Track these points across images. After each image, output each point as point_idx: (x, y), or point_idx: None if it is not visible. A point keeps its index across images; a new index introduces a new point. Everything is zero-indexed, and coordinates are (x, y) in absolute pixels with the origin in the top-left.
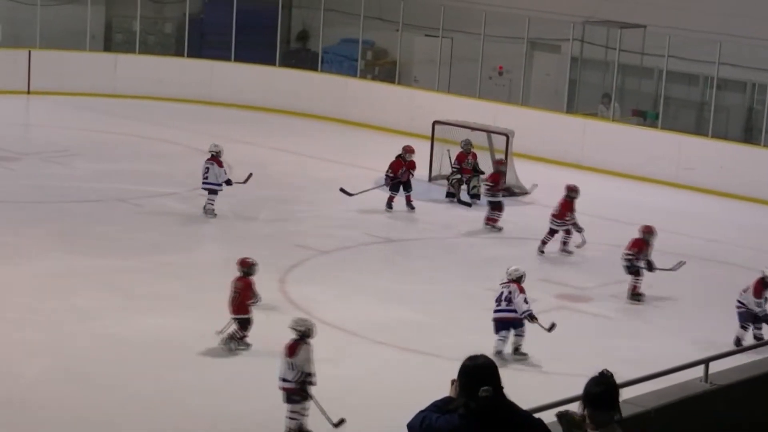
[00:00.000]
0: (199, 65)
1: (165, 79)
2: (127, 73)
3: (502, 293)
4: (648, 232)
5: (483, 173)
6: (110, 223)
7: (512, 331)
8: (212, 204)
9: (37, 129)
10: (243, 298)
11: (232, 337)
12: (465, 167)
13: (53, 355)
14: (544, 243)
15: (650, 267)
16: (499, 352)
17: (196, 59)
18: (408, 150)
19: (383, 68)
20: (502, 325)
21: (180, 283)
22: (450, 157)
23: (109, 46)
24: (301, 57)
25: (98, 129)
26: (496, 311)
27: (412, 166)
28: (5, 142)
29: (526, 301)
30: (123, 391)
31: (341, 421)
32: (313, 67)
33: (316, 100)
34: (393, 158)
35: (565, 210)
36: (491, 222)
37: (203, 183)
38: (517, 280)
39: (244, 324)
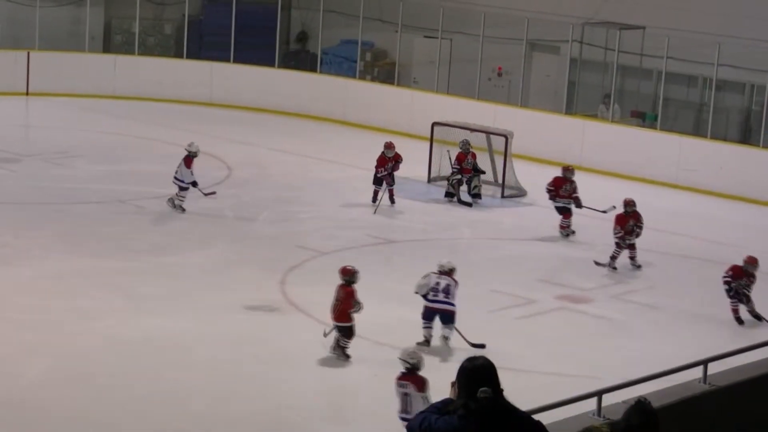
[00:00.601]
0: (199, 66)
1: (164, 81)
2: (126, 74)
3: (439, 284)
4: (750, 263)
5: (484, 172)
6: (111, 225)
7: (442, 325)
8: (181, 200)
9: (37, 130)
10: (344, 306)
11: (337, 346)
12: (465, 167)
13: (54, 355)
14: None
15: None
16: (428, 341)
17: (196, 60)
18: (388, 146)
19: (383, 69)
20: (433, 314)
21: (181, 284)
22: (450, 158)
23: (108, 47)
24: (301, 58)
25: (98, 130)
26: (432, 301)
27: (397, 159)
28: (5, 143)
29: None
30: (124, 392)
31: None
32: (312, 68)
33: (315, 102)
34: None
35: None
36: (562, 228)
37: (174, 177)
38: (451, 272)
39: (346, 332)
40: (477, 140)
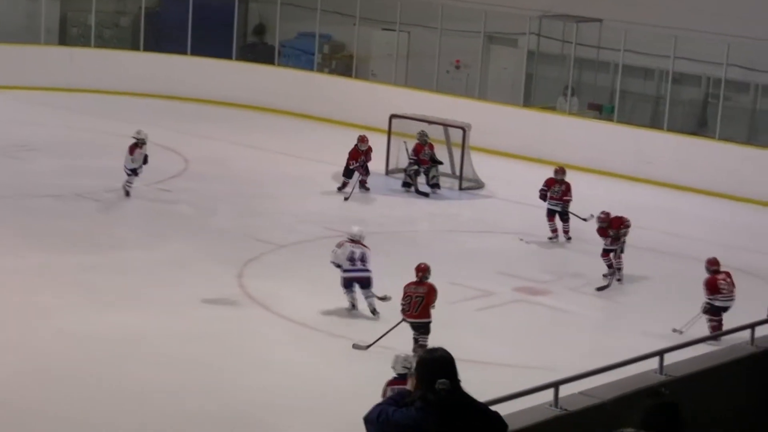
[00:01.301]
0: (156, 59)
1: (121, 74)
2: (82, 67)
3: (354, 252)
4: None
5: (441, 163)
6: (69, 219)
7: (361, 291)
8: (129, 185)
9: None
10: (428, 301)
11: (417, 346)
12: (422, 158)
13: (13, 351)
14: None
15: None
16: (354, 306)
17: (153, 53)
18: (362, 140)
19: (340, 62)
20: (351, 283)
21: (139, 278)
22: (407, 149)
23: (64, 39)
24: (258, 51)
25: (56, 124)
26: (350, 270)
27: (369, 152)
28: None
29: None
30: (82, 387)
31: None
32: (270, 61)
33: (273, 94)
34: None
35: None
36: (554, 232)
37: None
38: (362, 239)
39: (427, 328)
40: (435, 132)
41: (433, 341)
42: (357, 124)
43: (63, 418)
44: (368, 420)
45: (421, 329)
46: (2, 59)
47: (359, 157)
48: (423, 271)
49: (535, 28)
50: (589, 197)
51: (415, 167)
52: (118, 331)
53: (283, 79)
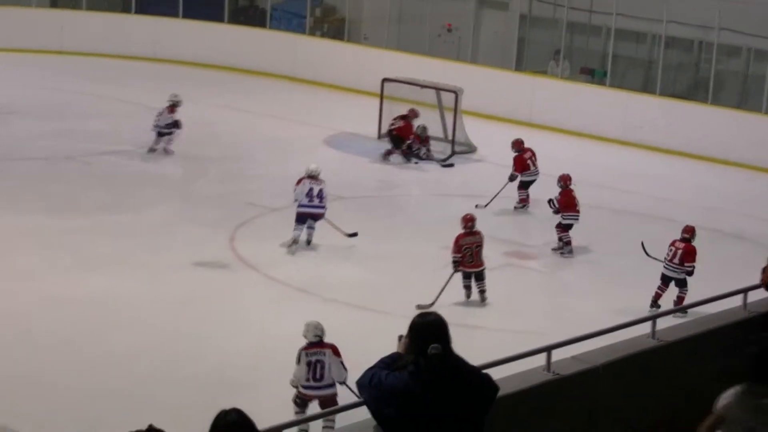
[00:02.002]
0: (146, 22)
1: (111, 36)
2: (73, 30)
3: (313, 189)
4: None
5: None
6: (58, 182)
7: (309, 223)
8: (168, 144)
9: None
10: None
11: (483, 294)
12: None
13: None
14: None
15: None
16: (296, 241)
17: (143, 16)
18: (415, 114)
19: (332, 26)
20: (305, 218)
21: (128, 242)
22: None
23: (55, 2)
24: (250, 14)
25: (45, 87)
26: (307, 206)
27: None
28: None
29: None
30: (68, 352)
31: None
32: (261, 24)
33: (264, 58)
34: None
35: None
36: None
37: (153, 126)
38: (318, 175)
39: (484, 275)
40: (427, 97)
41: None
42: (349, 88)
43: (46, 383)
44: (361, 384)
45: (481, 277)
46: None
47: (410, 133)
48: (472, 220)
49: None
50: (584, 160)
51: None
52: (106, 296)
53: (274, 43)
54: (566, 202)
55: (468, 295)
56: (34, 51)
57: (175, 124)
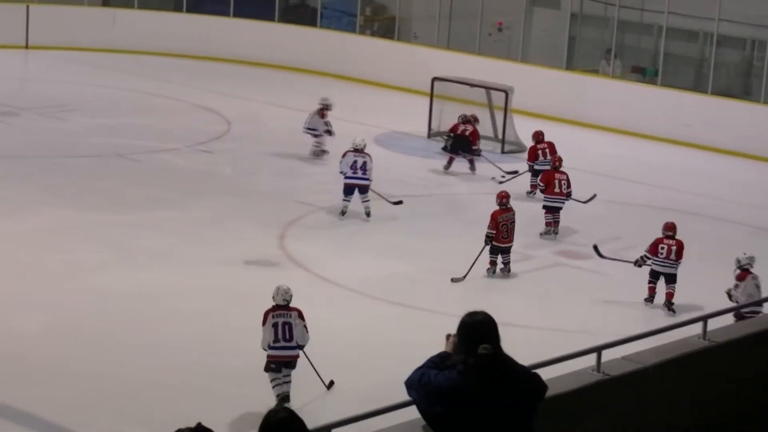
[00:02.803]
0: (198, 20)
1: (163, 34)
2: (125, 28)
3: (356, 161)
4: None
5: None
6: (108, 179)
7: (360, 196)
8: (318, 146)
9: (35, 84)
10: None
11: (507, 267)
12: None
13: (47, 308)
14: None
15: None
16: (344, 212)
17: (195, 14)
18: (477, 119)
19: (382, 24)
20: (352, 190)
21: (177, 238)
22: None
23: (107, 0)
24: (300, 13)
25: (97, 84)
26: (351, 177)
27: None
28: (3, 96)
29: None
30: (115, 345)
31: (331, 384)
32: (312, 22)
33: (315, 56)
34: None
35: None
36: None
37: (305, 128)
38: (364, 148)
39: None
40: (477, 95)
41: (474, 305)
42: (398, 86)
43: (94, 375)
44: (410, 384)
45: (508, 251)
46: (46, 20)
47: (477, 139)
48: (507, 197)
49: None
50: (634, 158)
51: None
52: (154, 291)
53: (325, 42)
54: (548, 183)
55: (493, 271)
56: (87, 48)
57: (327, 131)
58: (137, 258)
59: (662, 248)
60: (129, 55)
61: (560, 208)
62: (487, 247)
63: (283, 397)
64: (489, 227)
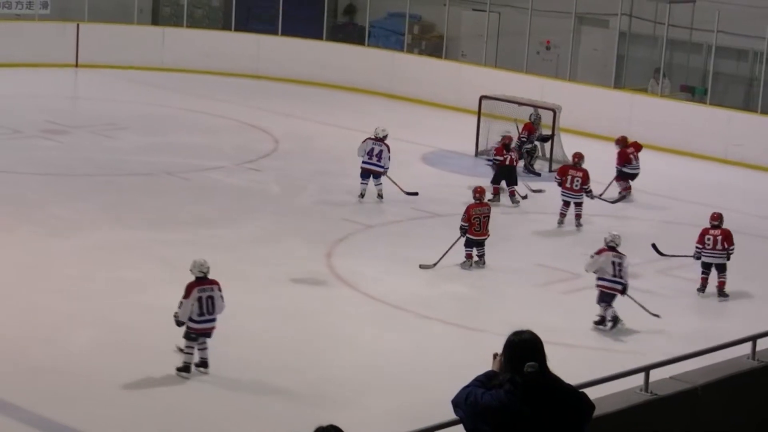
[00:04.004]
0: (246, 39)
1: (212, 53)
2: (174, 46)
3: (373, 149)
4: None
5: (548, 139)
6: (158, 197)
7: (373, 180)
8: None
9: (86, 102)
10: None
11: (482, 260)
12: (532, 140)
13: (99, 325)
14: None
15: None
16: (362, 195)
17: (243, 33)
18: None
19: (430, 43)
20: (368, 174)
21: (226, 256)
22: (518, 128)
23: (156, 19)
24: (348, 31)
25: (146, 102)
26: (367, 163)
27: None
28: (54, 115)
29: (389, 159)
30: (166, 363)
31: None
32: (360, 41)
33: (362, 75)
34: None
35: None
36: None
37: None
38: (384, 138)
39: (485, 244)
40: (525, 114)
41: (520, 323)
42: (446, 105)
43: (144, 393)
44: (456, 403)
45: (482, 244)
46: (96, 38)
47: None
48: (482, 192)
49: (626, 9)
50: (683, 178)
51: (530, 145)
52: None
53: (372, 60)
54: (562, 177)
55: (470, 264)
56: (136, 67)
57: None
58: (186, 276)
59: (708, 239)
60: (177, 73)
61: (571, 203)
62: (462, 239)
63: (200, 363)
64: (462, 220)
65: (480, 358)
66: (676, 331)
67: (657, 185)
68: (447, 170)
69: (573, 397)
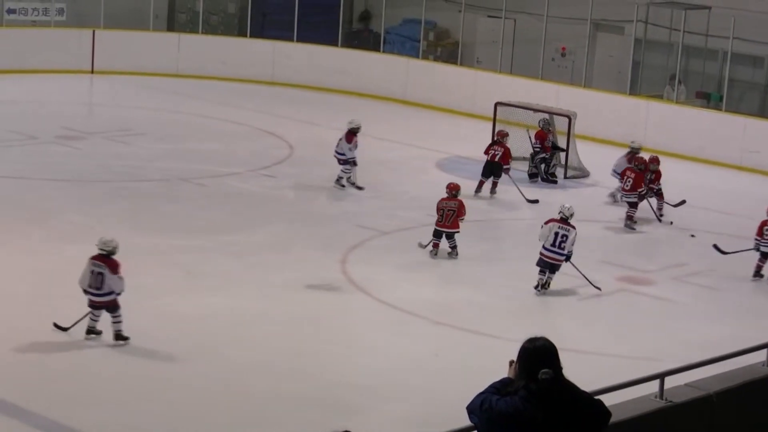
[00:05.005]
0: (262, 45)
1: (227, 60)
2: (190, 53)
3: (341, 139)
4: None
5: (564, 149)
6: (173, 203)
7: (342, 168)
8: (346, 173)
9: (101, 108)
10: (459, 214)
11: (454, 252)
12: (546, 145)
13: None
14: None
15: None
16: (340, 179)
17: (259, 39)
18: (505, 134)
19: (445, 49)
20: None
21: (241, 262)
22: (530, 137)
23: (172, 25)
24: (364, 38)
25: (162, 108)
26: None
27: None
28: (70, 121)
29: (350, 150)
30: (183, 369)
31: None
32: (375, 47)
33: (378, 81)
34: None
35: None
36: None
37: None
38: (352, 131)
39: (454, 236)
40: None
41: (534, 329)
42: (461, 111)
43: (159, 399)
44: (471, 409)
45: (452, 237)
46: (111, 45)
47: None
48: (454, 188)
49: (642, 16)
50: (698, 185)
51: (543, 155)
52: (219, 314)
53: (388, 66)
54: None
55: (435, 253)
56: (151, 73)
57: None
58: (201, 282)
59: (767, 230)
60: (193, 79)
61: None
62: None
63: (91, 331)
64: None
65: (495, 364)
66: (691, 338)
67: (671, 192)
68: (461, 176)
69: (588, 405)
